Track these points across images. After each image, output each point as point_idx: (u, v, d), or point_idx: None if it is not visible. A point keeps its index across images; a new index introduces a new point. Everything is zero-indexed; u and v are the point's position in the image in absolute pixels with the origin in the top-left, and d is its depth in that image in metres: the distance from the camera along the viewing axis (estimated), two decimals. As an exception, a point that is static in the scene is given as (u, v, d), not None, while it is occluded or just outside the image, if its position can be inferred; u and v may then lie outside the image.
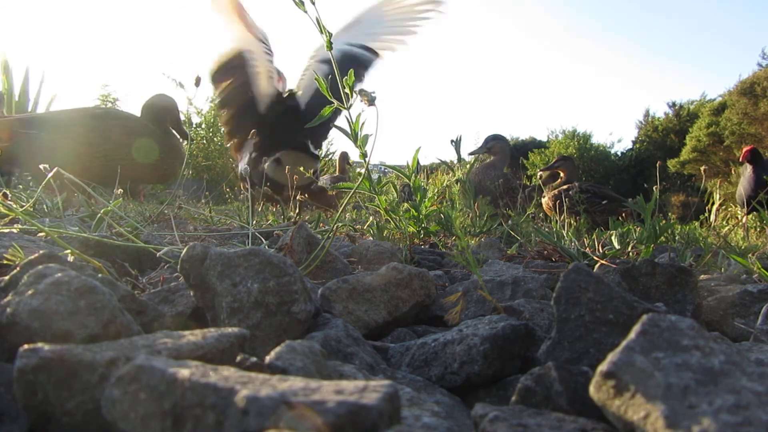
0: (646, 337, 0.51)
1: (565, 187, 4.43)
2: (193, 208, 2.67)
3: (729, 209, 4.48)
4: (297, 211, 3.19)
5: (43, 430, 0.52)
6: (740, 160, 4.06)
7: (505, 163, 4.67)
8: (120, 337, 0.64)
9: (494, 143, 4.60)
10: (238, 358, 0.64)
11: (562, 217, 3.25)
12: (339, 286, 1.01)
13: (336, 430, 0.40)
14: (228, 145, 3.42)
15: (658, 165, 2.36)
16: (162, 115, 3.18)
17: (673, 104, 20.76)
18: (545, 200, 4.54)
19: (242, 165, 3.45)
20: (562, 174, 4.90)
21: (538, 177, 4.34)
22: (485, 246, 2.08)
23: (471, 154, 4.77)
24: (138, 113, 3.23)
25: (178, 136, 3.24)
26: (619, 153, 21.41)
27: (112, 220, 1.41)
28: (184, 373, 0.46)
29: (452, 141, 4.48)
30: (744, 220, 3.74)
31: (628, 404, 0.46)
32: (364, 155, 1.64)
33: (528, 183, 5.41)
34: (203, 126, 9.86)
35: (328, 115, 1.38)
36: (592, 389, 0.50)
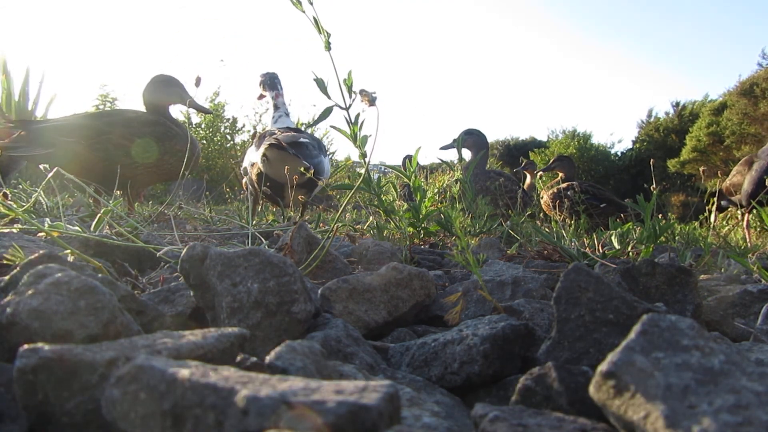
0: (646, 337, 0.51)
1: (564, 185, 4.43)
2: (193, 208, 2.67)
3: (729, 209, 4.47)
4: (300, 210, 3.20)
5: (43, 430, 0.52)
6: None
7: (485, 157, 4.62)
8: (120, 337, 0.64)
9: (468, 137, 4.55)
10: (238, 358, 0.64)
11: (562, 216, 3.25)
12: (339, 286, 1.01)
13: (336, 430, 0.40)
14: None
15: (652, 163, 2.35)
16: (163, 95, 3.01)
17: (677, 104, 20.77)
18: (544, 199, 4.55)
19: (244, 164, 3.46)
20: (560, 174, 4.90)
21: (538, 178, 4.34)
22: (485, 246, 2.08)
23: (442, 149, 4.71)
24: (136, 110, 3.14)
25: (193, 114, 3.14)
26: (619, 153, 21.43)
27: (112, 220, 1.41)
28: (184, 373, 0.46)
29: (454, 140, 4.48)
30: (746, 219, 3.72)
31: (628, 404, 0.46)
32: (363, 155, 1.64)
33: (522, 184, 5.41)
34: (203, 126, 9.85)
35: (327, 116, 1.39)
36: (592, 389, 0.50)
